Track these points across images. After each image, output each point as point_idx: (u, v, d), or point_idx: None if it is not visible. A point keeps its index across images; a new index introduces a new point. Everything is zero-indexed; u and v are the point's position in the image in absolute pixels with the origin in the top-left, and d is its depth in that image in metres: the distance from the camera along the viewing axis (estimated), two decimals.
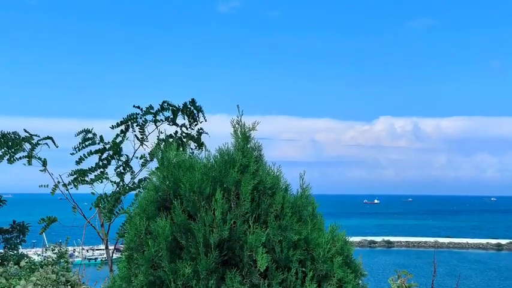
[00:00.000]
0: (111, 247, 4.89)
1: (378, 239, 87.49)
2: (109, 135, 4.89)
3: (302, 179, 3.27)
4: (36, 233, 5.94)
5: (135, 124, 4.90)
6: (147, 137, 4.92)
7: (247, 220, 2.96)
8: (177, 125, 5.00)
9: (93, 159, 4.86)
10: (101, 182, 4.80)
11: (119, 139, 4.87)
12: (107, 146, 4.87)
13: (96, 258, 54.93)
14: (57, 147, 4.82)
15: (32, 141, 4.73)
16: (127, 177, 4.90)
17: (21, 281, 5.97)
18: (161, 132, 4.89)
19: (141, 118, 4.91)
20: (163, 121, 4.95)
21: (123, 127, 4.90)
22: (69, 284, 6.22)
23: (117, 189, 4.80)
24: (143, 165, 4.85)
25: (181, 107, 4.94)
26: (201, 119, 5.01)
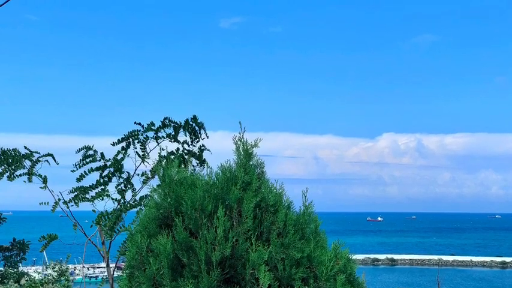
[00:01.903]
0: (112, 265, 4.84)
1: (381, 256, 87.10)
2: (110, 152, 4.87)
3: (305, 196, 3.24)
4: (37, 250, 5.90)
5: (136, 141, 4.88)
6: (148, 154, 4.90)
7: (250, 238, 2.93)
8: (178, 141, 4.97)
9: (94, 176, 4.84)
10: (102, 199, 4.77)
11: (120, 156, 4.85)
12: (108, 163, 4.84)
13: (97, 277, 54.71)
14: (57, 164, 4.79)
15: (32, 158, 4.71)
16: (128, 195, 4.87)
17: None
18: (163, 149, 4.87)
19: (142, 135, 4.88)
20: (164, 138, 4.93)
21: (124, 144, 4.88)
22: None
23: (118, 206, 4.77)
24: (144, 182, 4.82)
25: (182, 124, 4.92)
26: (203, 135, 4.99)
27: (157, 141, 4.92)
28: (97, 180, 4.83)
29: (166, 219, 3.08)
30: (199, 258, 2.86)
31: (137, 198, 4.84)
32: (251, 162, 3.20)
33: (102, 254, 4.84)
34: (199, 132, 4.97)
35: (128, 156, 4.85)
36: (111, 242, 4.80)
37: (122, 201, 4.83)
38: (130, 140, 4.85)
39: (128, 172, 4.90)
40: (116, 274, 4.81)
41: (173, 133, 4.92)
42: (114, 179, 4.83)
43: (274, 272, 2.90)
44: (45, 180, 4.76)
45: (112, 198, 4.81)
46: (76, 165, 4.79)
